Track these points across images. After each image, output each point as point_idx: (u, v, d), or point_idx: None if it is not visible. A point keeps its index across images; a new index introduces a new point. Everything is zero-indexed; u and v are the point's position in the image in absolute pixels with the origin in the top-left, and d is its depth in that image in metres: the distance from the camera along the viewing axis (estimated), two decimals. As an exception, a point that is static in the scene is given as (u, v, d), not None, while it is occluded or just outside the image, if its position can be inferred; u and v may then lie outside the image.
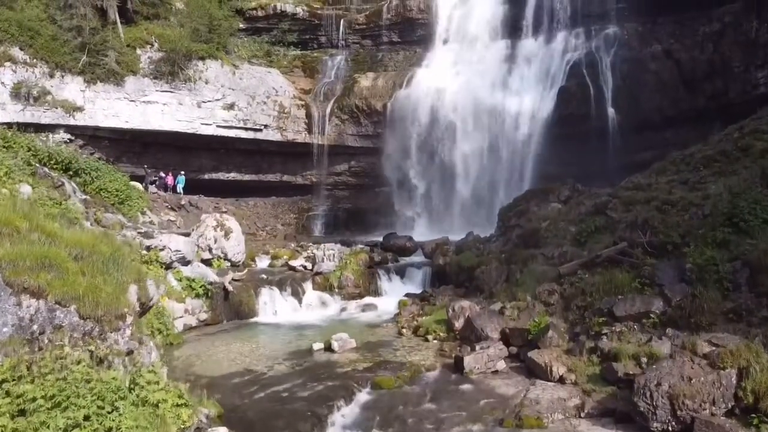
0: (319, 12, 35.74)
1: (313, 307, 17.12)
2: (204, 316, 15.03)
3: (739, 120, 26.10)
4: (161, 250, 15.32)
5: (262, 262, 21.49)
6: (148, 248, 15.28)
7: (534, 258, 14.79)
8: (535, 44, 30.95)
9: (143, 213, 25.50)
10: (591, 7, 30.52)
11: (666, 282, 10.66)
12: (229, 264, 19.07)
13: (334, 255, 19.13)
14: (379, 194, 32.23)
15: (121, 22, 28.24)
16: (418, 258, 21.75)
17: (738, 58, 25.20)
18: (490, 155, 29.86)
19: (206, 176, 31.93)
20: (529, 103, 29.34)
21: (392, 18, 34.25)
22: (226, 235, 19.23)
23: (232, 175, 32.47)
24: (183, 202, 28.46)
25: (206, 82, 29.30)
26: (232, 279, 16.59)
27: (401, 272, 19.88)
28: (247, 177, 32.90)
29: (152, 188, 29.12)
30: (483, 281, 15.56)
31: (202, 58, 29.30)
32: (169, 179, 30.10)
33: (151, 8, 29.99)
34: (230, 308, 15.68)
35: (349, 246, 24.22)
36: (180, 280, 14.84)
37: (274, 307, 16.41)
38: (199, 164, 31.48)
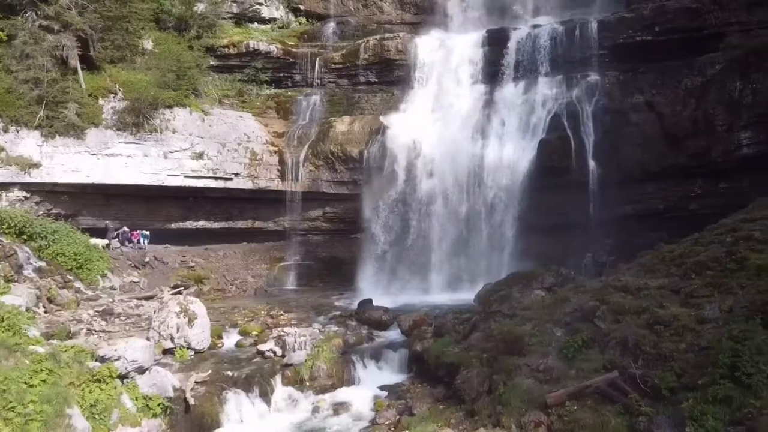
0: (293, 50, 34.62)
1: (283, 410, 15.99)
2: (162, 438, 13.83)
3: (721, 178, 26.02)
4: (116, 360, 14.03)
5: (230, 339, 20.28)
6: (102, 359, 13.99)
7: (518, 369, 13.84)
8: (515, 90, 30.20)
9: (104, 276, 24.24)
10: (572, 53, 29.89)
11: (664, 441, 9.84)
12: (192, 353, 17.85)
13: (305, 342, 17.98)
14: (354, 242, 31.14)
15: (83, 69, 26.73)
16: (394, 333, 20.72)
17: (721, 117, 24.72)
18: (469, 207, 29.02)
19: (174, 226, 30.53)
20: (509, 153, 28.58)
21: (369, 58, 33.25)
22: (190, 321, 17.96)
23: (201, 224, 31.14)
24: (147, 259, 27.10)
25: (174, 132, 27.94)
26: (195, 382, 15.36)
27: (377, 356, 18.83)
28: (216, 225, 31.61)
29: (115, 242, 27.69)
30: (464, 390, 14.58)
31: (170, 107, 27.94)
32: (135, 235, 28.69)
33: (117, 51, 28.50)
34: (192, 423, 14.43)
35: (322, 313, 23.32)
36: (136, 399, 13.56)
37: (240, 414, 15.21)
38: (166, 214, 30.10)
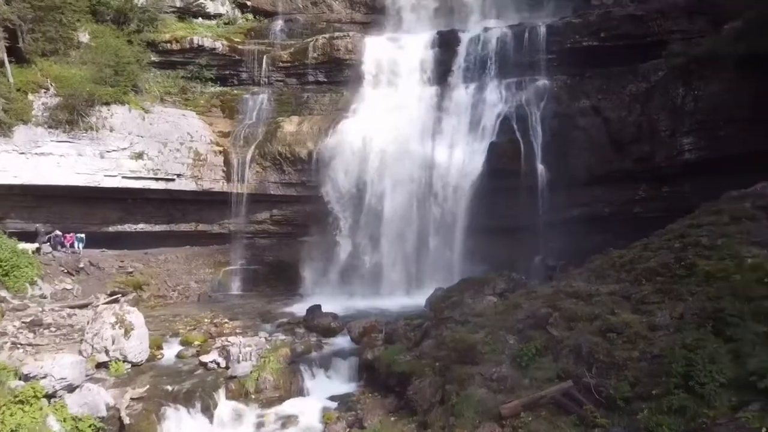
0: (240, 47, 33.49)
1: (227, 425, 15.20)
2: (94, 464, 12.84)
3: (665, 183, 26.60)
4: (42, 378, 12.94)
5: (171, 350, 19.27)
6: (27, 377, 12.87)
7: (471, 378, 13.52)
8: (465, 93, 30.12)
9: (33, 284, 22.69)
10: (521, 56, 30.02)
11: (620, 454, 9.67)
12: (129, 366, 16.82)
13: (251, 352, 17.19)
14: (303, 245, 30.35)
15: (11, 62, 24.98)
16: (344, 341, 20.15)
17: (665, 122, 25.24)
18: (419, 210, 28.73)
19: (111, 229, 28.96)
20: (459, 155, 28.46)
21: (319, 57, 32.51)
22: (127, 333, 16.92)
23: (141, 227, 29.63)
24: (81, 265, 25.58)
25: (111, 130, 26.46)
26: (131, 399, 14.39)
27: (326, 365, 18.25)
28: (157, 227, 30.15)
29: (46, 247, 26.01)
30: (416, 401, 14.18)
31: (107, 104, 26.44)
32: (68, 239, 27.04)
33: (49, 44, 26.77)
34: (126, 444, 13.51)
35: (268, 320, 22.53)
36: (64, 421, 12.51)
37: (179, 432, 14.37)
38: (102, 216, 28.50)
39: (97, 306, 23.99)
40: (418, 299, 25.82)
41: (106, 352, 16.59)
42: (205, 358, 17.68)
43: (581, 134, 27.44)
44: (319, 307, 22.38)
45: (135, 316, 17.53)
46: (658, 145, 25.43)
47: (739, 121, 23.47)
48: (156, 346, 19.04)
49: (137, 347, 17.08)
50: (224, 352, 17.79)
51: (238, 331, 20.67)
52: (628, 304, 13.49)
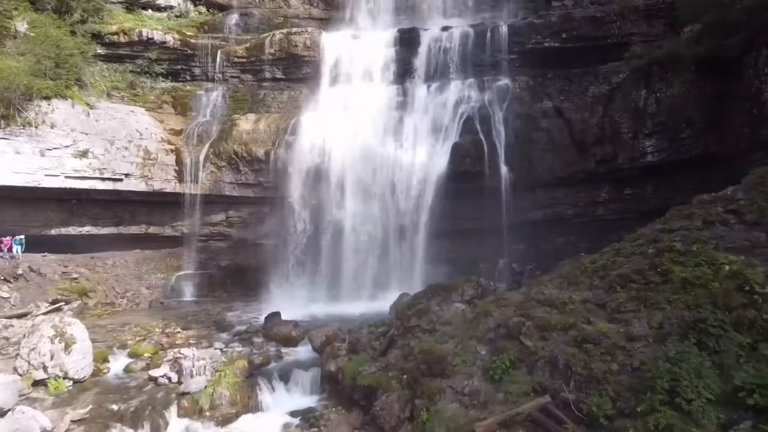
0: (192, 41, 31.99)
1: (179, 447, 14.09)
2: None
3: (627, 185, 26.65)
4: (-33, 403, 11.60)
5: (118, 363, 17.91)
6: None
7: (442, 392, 12.83)
8: (427, 92, 29.56)
9: (-35, 293, 20.82)
10: (483, 56, 29.74)
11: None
12: (70, 383, 15.45)
13: (205, 366, 16.08)
14: (260, 248, 29.19)
15: (-61, 51, 23.07)
16: (305, 350, 19.19)
17: (627, 124, 25.25)
18: (381, 212, 27.98)
19: (54, 231, 27.12)
20: (421, 156, 27.84)
21: (276, 53, 31.37)
22: (67, 347, 15.54)
23: (87, 229, 27.85)
24: (20, 271, 23.79)
25: (52, 126, 24.67)
26: (71, 421, 13.13)
27: (286, 377, 17.20)
28: (104, 230, 28.42)
29: (-20, 252, 24.14)
30: (383, 417, 13.39)
31: (48, 98, 24.63)
32: (5, 242, 25.15)
33: (-18, 33, 24.89)
34: (65, 473, 12.27)
35: (224, 329, 21.38)
36: (-9, 452, 11.24)
37: (126, 457, 13.19)
38: (44, 218, 26.62)
39: (37, 315, 22.51)
40: (382, 304, 25.11)
41: (44, 368, 15.19)
42: (155, 373, 16.45)
43: (544, 135, 27.26)
44: (278, 314, 21.36)
45: (77, 328, 16.14)
46: (620, 147, 25.45)
47: (699, 123, 23.66)
48: (101, 359, 17.68)
49: (79, 362, 15.72)
50: (176, 365, 16.61)
51: (191, 341, 19.48)
52: (603, 312, 13.04)
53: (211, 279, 28.28)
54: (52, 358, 15.27)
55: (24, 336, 16.10)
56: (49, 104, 24.70)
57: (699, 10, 24.14)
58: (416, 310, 17.19)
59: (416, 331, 16.54)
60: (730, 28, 22.33)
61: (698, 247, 13.04)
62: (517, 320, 13.75)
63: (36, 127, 24.07)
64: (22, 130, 23.70)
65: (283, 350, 19.17)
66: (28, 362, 15.24)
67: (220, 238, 30.83)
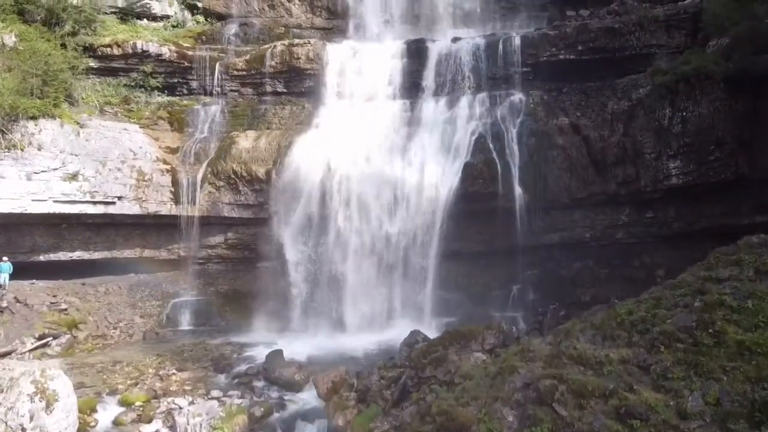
0: (189, 53, 30.51)
1: None
2: None
3: (648, 207, 25.18)
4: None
5: (107, 413, 16.61)
6: None
7: (467, 469, 11.44)
8: (436, 108, 28.09)
9: (-58, 331, 19.40)
10: (495, 69, 28.27)
11: None
12: (52, 447, 14.00)
13: (201, 423, 14.65)
14: (260, 272, 27.71)
15: None
16: (310, 396, 17.73)
17: (650, 144, 23.78)
18: (387, 234, 26.49)
19: (42, 258, 25.66)
20: (431, 175, 26.35)
21: (277, 65, 29.87)
22: (49, 405, 14.07)
23: (77, 254, 26.36)
24: (5, 304, 22.33)
25: (40, 148, 23.22)
26: (49, 501, 11.69)
27: (290, 431, 15.84)
28: (96, 255, 26.93)
29: (-37, 283, 22.68)
30: (400, 495, 11.98)
31: (34, 118, 23.20)
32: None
33: (-36, 48, 23.44)
34: None
35: (223, 370, 19.95)
36: None
37: None
38: (32, 244, 25.15)
39: (23, 353, 21.18)
40: (389, 334, 23.84)
41: (23, 430, 13.74)
42: (146, 429, 15.05)
43: (560, 154, 25.76)
44: (280, 353, 19.84)
45: (59, 383, 14.65)
46: (643, 168, 23.98)
47: (729, 144, 22.22)
48: (89, 408, 16.36)
49: (63, 421, 14.26)
50: (170, 419, 15.27)
51: (186, 386, 18.04)
52: (646, 377, 11.53)
53: (209, 306, 26.75)
54: (31, 419, 13.81)
55: (1, 392, 14.62)
56: (36, 125, 23.24)
57: (728, 22, 22.67)
58: (432, 359, 15.75)
59: (432, 383, 15.16)
60: (761, 42, 20.92)
61: (754, 305, 11.56)
62: (549, 383, 12.22)
63: (22, 150, 22.63)
64: (7, 153, 22.26)
65: (286, 396, 17.76)
66: (5, 423, 13.79)
67: (218, 260, 29.38)
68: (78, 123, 24.94)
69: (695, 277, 13.76)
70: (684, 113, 22.79)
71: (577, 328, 14.67)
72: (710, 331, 11.47)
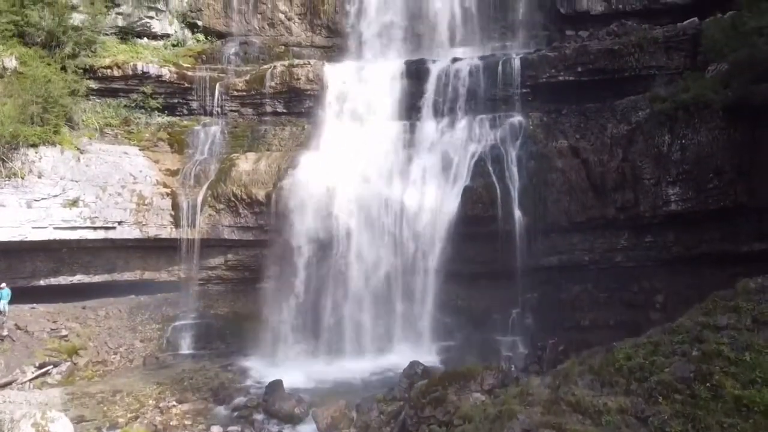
0: (189, 73, 30.54)
1: None
2: None
3: (647, 232, 25.21)
4: None
5: (106, 449, 16.61)
6: None
7: None
8: (436, 129, 28.12)
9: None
10: (494, 90, 28.26)
11: None
12: (53, 491, 14.08)
13: (200, 466, 14.72)
14: (260, 294, 27.72)
15: None
16: (309, 429, 17.82)
17: (649, 170, 23.81)
18: (387, 257, 26.54)
19: (42, 282, 25.72)
20: (431, 198, 26.39)
21: (277, 86, 29.89)
22: (49, 450, 14.17)
23: (78, 278, 26.39)
24: (6, 332, 22.38)
25: (40, 176, 23.30)
26: None
27: (290, 472, 15.93)
28: (97, 278, 26.95)
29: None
30: None
31: (35, 145, 23.28)
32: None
33: (-37, 74, 23.48)
34: None
35: (223, 400, 19.98)
36: None
37: None
38: (32, 269, 25.20)
39: (24, 382, 21.26)
40: (389, 360, 24.11)
41: (24, 476, 13.84)
42: (146, 469, 15.11)
43: (560, 177, 25.77)
44: (280, 384, 19.81)
45: (61, 426, 14.76)
46: (642, 193, 23.99)
47: (728, 173, 22.24)
48: (89, 444, 16.41)
49: (63, 465, 14.37)
50: (169, 458, 15.25)
51: (187, 420, 18.10)
52: (644, 429, 11.60)
53: (209, 329, 26.76)
54: (31, 464, 13.90)
55: (2, 434, 14.71)
56: (36, 152, 23.32)
57: (726, 49, 22.71)
58: (431, 399, 15.80)
59: (431, 422, 15.27)
60: (760, 70, 20.94)
61: (752, 358, 11.61)
62: (549, 434, 12.36)
63: (22, 178, 22.72)
64: (7, 182, 22.34)
65: (285, 430, 17.82)
66: (5, 468, 13.88)
67: (219, 281, 29.43)
68: (78, 148, 25.01)
69: (693, 322, 13.80)
70: (683, 140, 22.83)
71: (575, 371, 14.71)
72: (708, 384, 11.52)
